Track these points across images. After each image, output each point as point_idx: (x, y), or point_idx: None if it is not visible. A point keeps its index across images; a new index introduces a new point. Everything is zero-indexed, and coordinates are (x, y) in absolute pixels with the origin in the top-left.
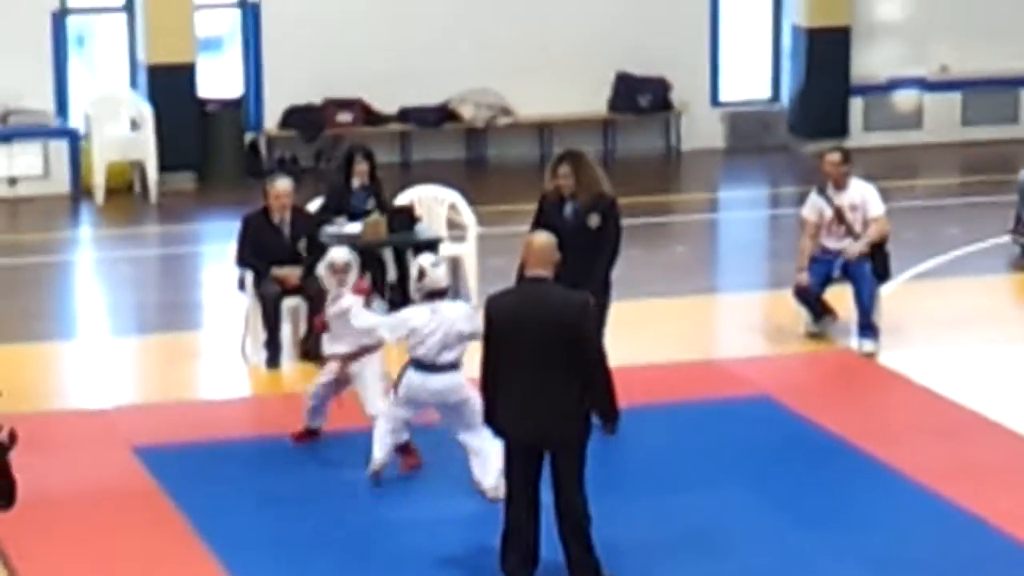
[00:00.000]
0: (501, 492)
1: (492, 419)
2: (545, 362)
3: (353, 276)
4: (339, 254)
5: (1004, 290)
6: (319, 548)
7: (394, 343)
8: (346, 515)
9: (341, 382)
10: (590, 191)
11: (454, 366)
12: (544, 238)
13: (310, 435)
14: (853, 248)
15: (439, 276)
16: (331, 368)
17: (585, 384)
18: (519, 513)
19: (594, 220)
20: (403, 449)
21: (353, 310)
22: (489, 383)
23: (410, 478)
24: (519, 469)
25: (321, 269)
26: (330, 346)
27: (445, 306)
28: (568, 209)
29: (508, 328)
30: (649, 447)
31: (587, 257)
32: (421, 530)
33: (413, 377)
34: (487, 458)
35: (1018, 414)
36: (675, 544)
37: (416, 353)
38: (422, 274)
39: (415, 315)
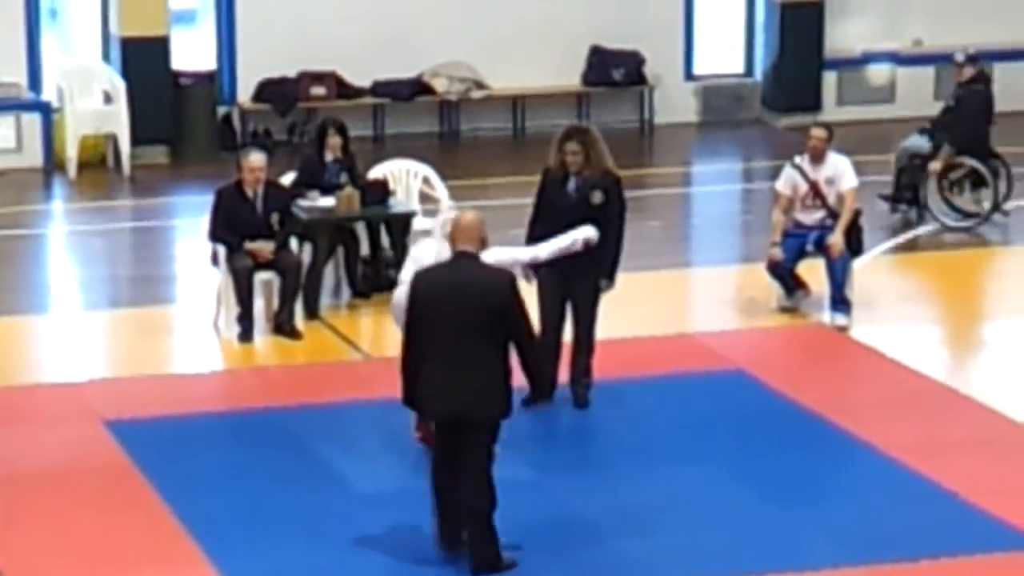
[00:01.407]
0: None
1: (411, 398)
2: (469, 338)
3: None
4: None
5: (976, 265)
6: (291, 523)
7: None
8: (318, 489)
9: None
10: (598, 168)
11: None
12: (472, 215)
13: None
14: (835, 241)
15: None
16: None
17: (501, 362)
18: (446, 490)
19: (597, 197)
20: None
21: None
22: (411, 359)
23: (385, 451)
24: (444, 445)
25: (438, 231)
26: None
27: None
28: (571, 185)
29: (434, 303)
30: (622, 421)
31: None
32: (394, 504)
33: None
34: None
35: (989, 388)
36: (642, 518)
37: None
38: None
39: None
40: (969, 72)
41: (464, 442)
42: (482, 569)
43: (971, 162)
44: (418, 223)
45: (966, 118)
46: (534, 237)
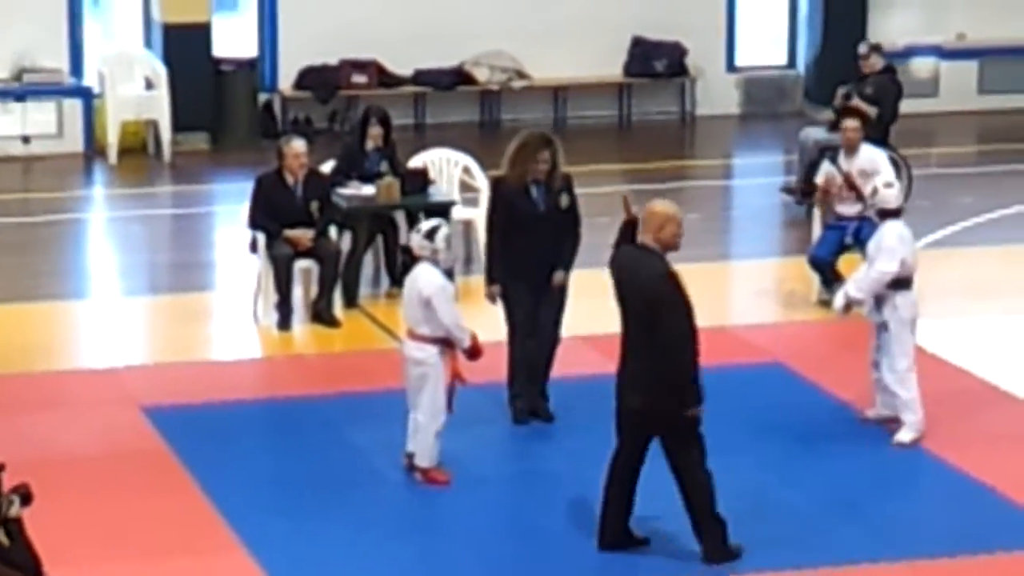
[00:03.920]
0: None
1: None
2: (631, 328)
3: None
4: None
5: (1018, 260)
6: (326, 511)
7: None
8: (354, 478)
9: None
10: (560, 173)
11: None
12: (664, 205)
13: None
14: (851, 208)
15: (893, 195)
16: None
17: (655, 354)
18: (616, 483)
19: (564, 200)
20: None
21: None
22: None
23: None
24: (622, 438)
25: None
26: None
27: None
28: (535, 193)
29: (616, 289)
30: None
31: (562, 238)
32: (429, 494)
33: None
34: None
35: None
36: (676, 512)
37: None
38: (874, 192)
39: (898, 238)
40: (879, 63)
41: (662, 438)
42: (713, 558)
43: (887, 152)
44: (457, 213)
45: (886, 108)
46: (509, 250)
